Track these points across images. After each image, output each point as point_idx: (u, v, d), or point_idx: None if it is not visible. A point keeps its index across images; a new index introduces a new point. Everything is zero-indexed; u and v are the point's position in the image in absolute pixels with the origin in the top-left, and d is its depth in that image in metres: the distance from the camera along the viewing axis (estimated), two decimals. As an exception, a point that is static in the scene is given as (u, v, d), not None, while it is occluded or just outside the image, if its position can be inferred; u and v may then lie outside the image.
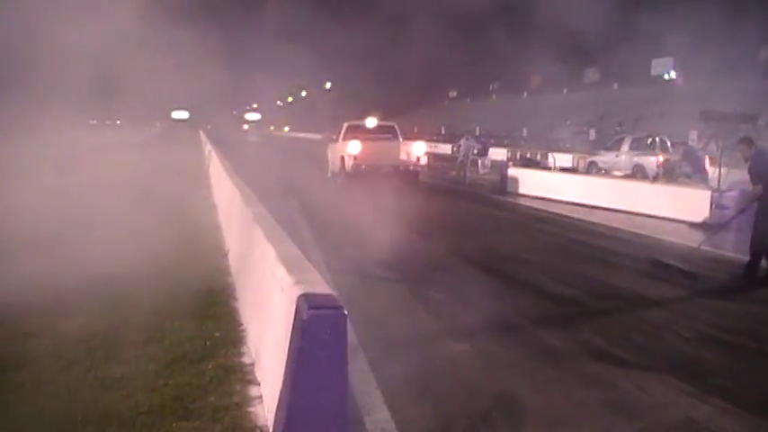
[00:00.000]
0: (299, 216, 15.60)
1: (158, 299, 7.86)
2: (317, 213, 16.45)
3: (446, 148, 47.41)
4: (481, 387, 5.99)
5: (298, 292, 4.53)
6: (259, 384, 5.49)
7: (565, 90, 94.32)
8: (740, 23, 43.08)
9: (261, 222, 7.47)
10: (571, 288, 9.83)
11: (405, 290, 9.38)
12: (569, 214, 18.06)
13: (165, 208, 15.45)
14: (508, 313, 8.37)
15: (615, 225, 16.21)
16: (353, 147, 22.86)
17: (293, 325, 4.43)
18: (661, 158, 25.60)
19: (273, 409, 4.59)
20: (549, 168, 28.18)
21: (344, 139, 24.23)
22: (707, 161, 21.69)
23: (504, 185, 23.89)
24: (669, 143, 27.82)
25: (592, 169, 28.90)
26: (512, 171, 24.59)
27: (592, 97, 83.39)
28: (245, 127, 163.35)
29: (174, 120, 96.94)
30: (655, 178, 20.72)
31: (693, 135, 41.86)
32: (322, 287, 4.69)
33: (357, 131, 24.43)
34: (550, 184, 22.28)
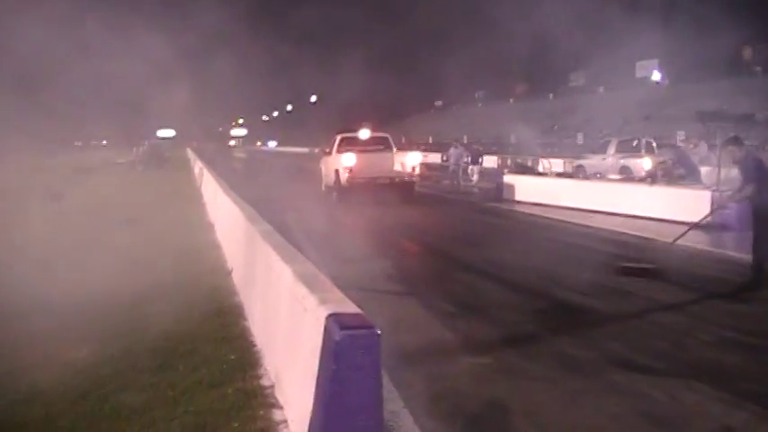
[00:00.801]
0: (298, 232, 15.40)
1: (166, 322, 7.67)
2: (315, 228, 16.27)
3: (436, 157, 47.36)
4: (510, 403, 5.82)
5: (325, 312, 4.37)
6: (282, 408, 5.31)
7: (551, 95, 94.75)
8: (722, 24, 43.30)
9: (270, 240, 7.31)
10: (583, 295, 9.69)
11: (416, 303, 9.22)
12: (570, 220, 17.95)
13: (161, 229, 15.33)
14: (524, 324, 8.23)
15: (617, 229, 16.11)
16: (348, 159, 22.52)
17: (323, 346, 4.27)
18: (648, 162, 25.76)
19: (302, 434, 4.44)
20: (544, 174, 28.15)
21: (338, 151, 23.89)
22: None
23: (500, 193, 23.76)
24: (655, 145, 28.00)
25: (579, 173, 28.94)
26: (507, 178, 24.48)
27: (578, 101, 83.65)
28: (232, 143, 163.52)
29: (161, 138, 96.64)
30: (653, 180, 20.59)
31: (681, 136, 42.00)
32: (349, 306, 4.53)
33: (350, 143, 24.09)
34: (547, 190, 22.18)
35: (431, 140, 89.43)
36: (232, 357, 6.50)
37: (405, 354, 6.97)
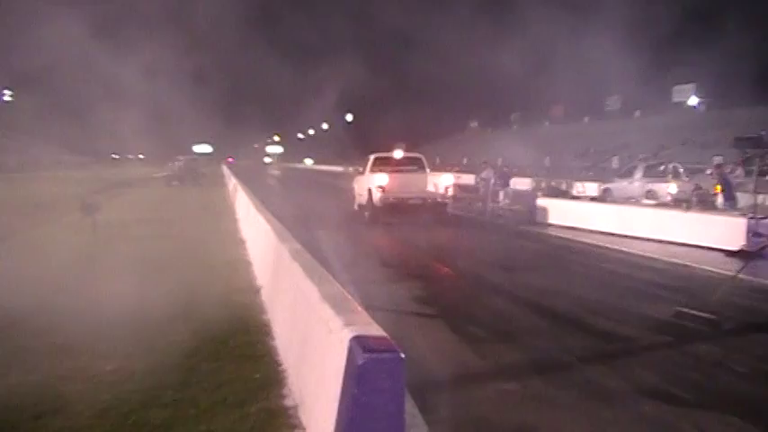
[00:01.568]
0: (328, 251, 15.38)
1: (193, 339, 7.67)
2: (345, 248, 16.27)
3: (469, 179, 47.39)
4: (537, 431, 5.71)
5: (349, 334, 4.32)
6: (305, 429, 5.25)
7: (586, 119, 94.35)
8: (759, 49, 42.93)
9: (299, 259, 7.28)
10: (615, 322, 9.53)
11: (445, 327, 9.12)
12: (603, 244, 17.73)
13: (194, 244, 15.38)
14: (553, 350, 8.09)
15: (651, 255, 15.89)
16: (381, 179, 22.39)
17: (346, 369, 4.22)
18: (674, 187, 25.76)
19: (324, 457, 4.37)
20: (578, 197, 28.02)
21: (371, 171, 23.82)
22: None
23: (533, 216, 23.58)
24: (682, 170, 27.96)
25: (607, 196, 28.94)
26: (540, 201, 24.31)
27: (613, 126, 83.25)
28: (268, 160, 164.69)
29: (197, 154, 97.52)
30: (688, 206, 20.37)
31: (719, 161, 41.56)
32: (374, 329, 4.47)
33: (384, 163, 24.00)
34: (580, 214, 21.98)
35: (465, 161, 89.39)
36: (257, 376, 6.45)
37: (431, 378, 6.88)
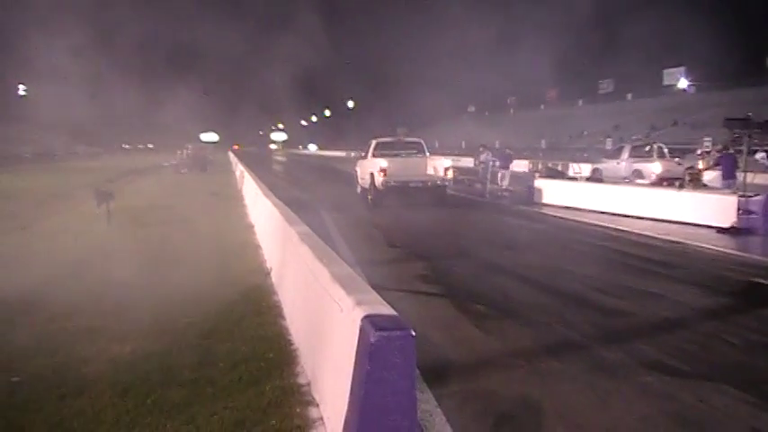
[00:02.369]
0: (334, 233, 15.41)
1: (207, 320, 7.68)
2: (350, 229, 16.26)
3: (468, 161, 47.25)
4: (542, 403, 5.72)
5: (361, 313, 4.33)
6: (318, 406, 5.27)
7: (580, 102, 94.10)
8: (748, 32, 42.83)
9: (308, 242, 7.27)
10: (614, 298, 9.53)
11: (450, 305, 9.11)
12: (600, 223, 17.73)
13: (204, 229, 15.37)
14: (556, 326, 8.09)
15: (646, 233, 15.88)
16: (383, 163, 22.52)
17: (358, 347, 4.23)
18: (658, 166, 25.98)
19: (337, 432, 4.39)
20: (574, 178, 28.04)
21: (373, 155, 24.06)
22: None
23: (530, 196, 23.59)
24: (666, 150, 28.23)
25: (596, 175, 29.14)
26: (537, 182, 24.29)
27: (607, 108, 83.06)
28: (273, 147, 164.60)
29: (204, 142, 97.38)
30: (681, 185, 20.33)
31: (708, 142, 41.61)
32: (385, 308, 4.47)
33: (385, 148, 24.28)
34: (577, 194, 21.98)
35: (463, 145, 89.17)
36: (270, 356, 6.46)
37: (439, 355, 6.89)
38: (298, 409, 5.26)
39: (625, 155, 29.18)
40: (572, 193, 22.17)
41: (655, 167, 26.60)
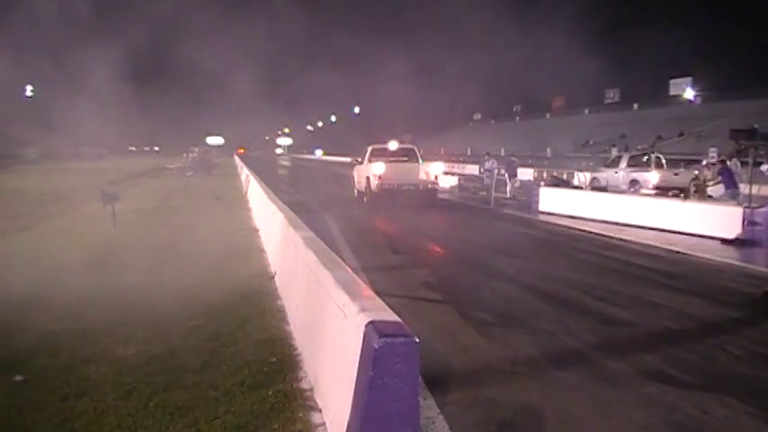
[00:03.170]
0: (339, 238, 15.45)
1: (210, 323, 7.71)
2: (355, 235, 16.29)
3: (474, 169, 47.26)
4: (543, 412, 5.72)
5: (365, 319, 4.34)
6: (320, 411, 5.28)
7: (586, 111, 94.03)
8: (755, 43, 42.94)
9: (313, 247, 7.28)
10: (617, 307, 9.53)
11: (453, 312, 9.11)
12: (603, 232, 17.70)
13: (208, 232, 15.42)
14: (558, 334, 8.09)
15: (649, 242, 15.87)
16: (378, 168, 23.93)
17: (361, 353, 4.24)
18: (655, 175, 26.14)
19: (339, 438, 4.40)
20: (579, 187, 28.11)
21: (369, 161, 25.36)
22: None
23: (535, 205, 23.60)
24: (664, 160, 28.56)
25: (594, 184, 29.38)
26: (541, 191, 24.29)
27: (613, 117, 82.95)
28: (279, 151, 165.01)
29: (210, 145, 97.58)
30: (685, 196, 20.34)
31: (713, 152, 41.51)
32: (388, 314, 4.49)
33: (380, 154, 25.68)
34: (581, 203, 21.94)
35: (469, 152, 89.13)
36: (273, 360, 6.47)
37: (441, 361, 6.90)
38: (300, 414, 5.27)
39: (623, 164, 29.40)
40: (576, 202, 22.15)
41: (652, 177, 26.82)
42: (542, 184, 27.34)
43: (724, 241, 15.93)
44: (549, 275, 11.88)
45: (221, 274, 10.58)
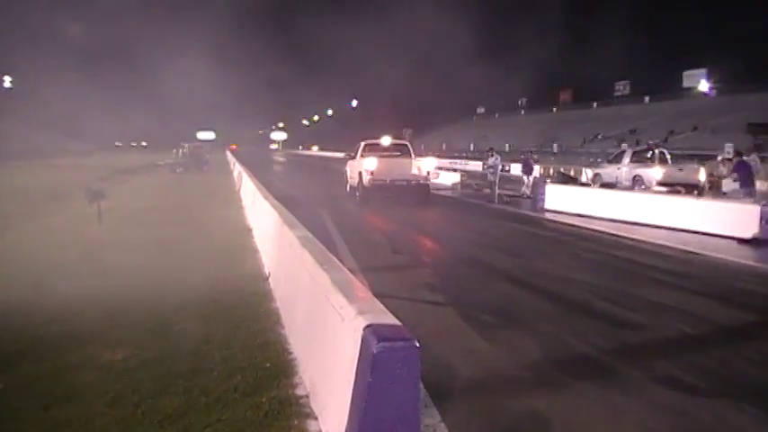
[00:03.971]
0: (336, 236, 15.47)
1: (202, 326, 7.71)
2: (352, 234, 16.29)
3: (477, 165, 47.22)
4: (551, 417, 5.73)
5: (363, 322, 4.34)
6: (316, 418, 5.28)
7: (595, 104, 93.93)
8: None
9: (309, 247, 7.29)
10: (627, 310, 9.52)
11: (455, 314, 9.11)
12: (613, 231, 17.71)
13: (199, 232, 15.42)
14: (566, 337, 8.09)
15: (662, 242, 15.86)
16: (370, 163, 24.49)
17: (360, 358, 4.24)
18: (659, 171, 26.21)
19: (337, 446, 4.40)
20: (587, 184, 28.12)
21: (362, 156, 26.08)
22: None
23: (541, 203, 23.61)
24: (668, 156, 28.66)
25: (597, 181, 29.65)
26: (548, 188, 24.29)
27: (623, 111, 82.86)
28: (274, 147, 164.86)
29: (200, 140, 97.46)
30: (700, 193, 20.33)
31: (729, 148, 41.51)
32: (388, 317, 4.49)
33: (373, 149, 26.51)
34: (589, 201, 21.93)
35: (472, 147, 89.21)
36: (267, 365, 6.47)
37: (443, 365, 6.90)
38: (296, 422, 5.27)
39: (626, 160, 29.38)
40: (584, 200, 22.14)
41: (655, 173, 26.80)
42: (548, 180, 27.40)
43: (740, 241, 15.92)
44: (555, 276, 11.88)
45: (213, 275, 10.58)
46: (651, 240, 16.21)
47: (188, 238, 14.57)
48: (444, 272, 12.24)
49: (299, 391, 5.83)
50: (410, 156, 26.42)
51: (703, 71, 76.99)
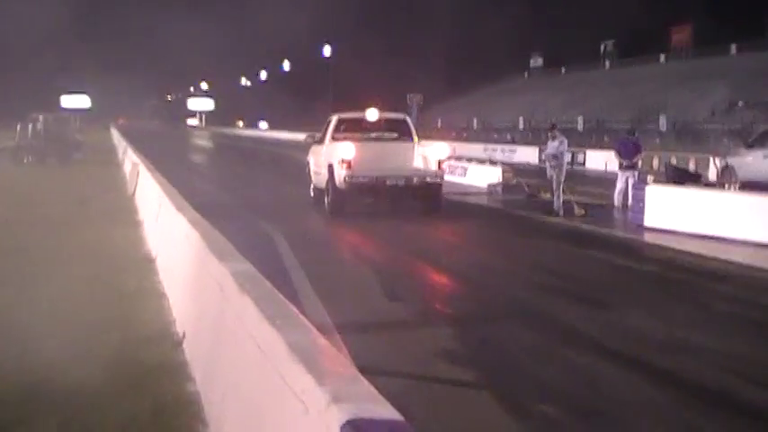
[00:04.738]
0: (296, 271, 15.51)
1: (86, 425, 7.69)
2: (323, 265, 16.33)
3: (525, 155, 47.58)
4: None
5: (340, 417, 4.35)
6: None
7: (733, 47, 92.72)
8: None
9: (252, 291, 7.29)
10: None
11: (494, 402, 9.12)
12: (765, 266, 17.60)
13: (65, 267, 15.37)
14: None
15: None
16: (347, 150, 24.12)
17: (335, 474, 4.26)
18: None
19: None
20: (721, 185, 27.89)
21: (333, 138, 25.94)
22: None
23: (637, 216, 23.42)
24: None
25: (726, 177, 29.12)
26: (650, 190, 24.03)
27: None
28: (192, 122, 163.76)
29: (67, 109, 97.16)
30: None
31: None
32: (381, 407, 4.49)
33: (351, 128, 26.50)
34: (721, 213, 21.71)
35: (521, 124, 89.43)
36: None
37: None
38: None
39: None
40: (714, 212, 21.95)
41: None
42: (651, 179, 27.08)
43: None
44: (665, 342, 11.85)
45: (91, 338, 10.53)
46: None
47: (44, 278, 14.46)
48: (476, 332, 12.25)
49: None
50: (411, 138, 26.40)
51: None
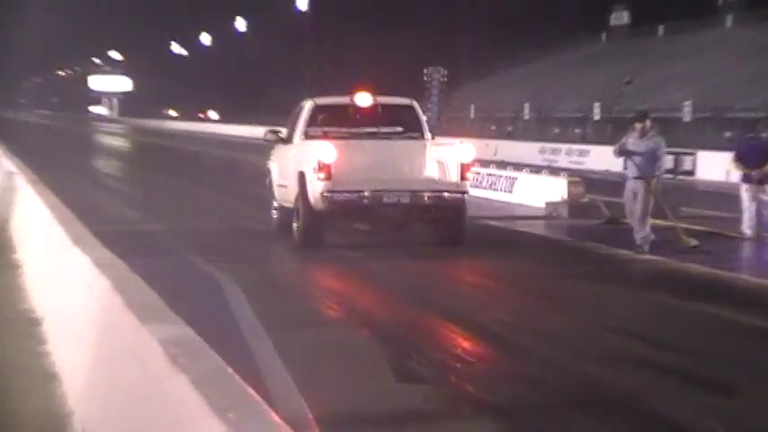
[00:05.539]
0: (259, 337, 15.50)
1: None
2: (290, 329, 16.34)
3: (600, 157, 47.97)
4: None
5: None
6: None
7: None
8: None
9: (191, 368, 7.21)
10: None
11: None
12: None
13: None
14: None
15: None
16: (324, 152, 23.84)
17: None
18: None
19: None
20: None
21: (307, 135, 25.84)
22: None
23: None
24: None
25: None
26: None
27: None
28: (98, 110, 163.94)
29: None
30: None
31: None
32: None
33: (332, 119, 26.40)
34: None
35: (596, 113, 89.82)
36: None
37: None
38: None
39: None
40: None
41: None
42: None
43: None
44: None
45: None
46: None
47: None
48: (538, 428, 12.21)
49: None
50: (420, 134, 26.22)
51: None
